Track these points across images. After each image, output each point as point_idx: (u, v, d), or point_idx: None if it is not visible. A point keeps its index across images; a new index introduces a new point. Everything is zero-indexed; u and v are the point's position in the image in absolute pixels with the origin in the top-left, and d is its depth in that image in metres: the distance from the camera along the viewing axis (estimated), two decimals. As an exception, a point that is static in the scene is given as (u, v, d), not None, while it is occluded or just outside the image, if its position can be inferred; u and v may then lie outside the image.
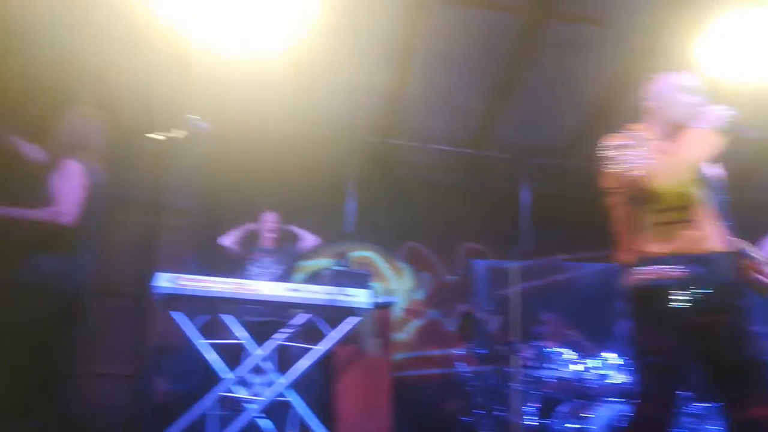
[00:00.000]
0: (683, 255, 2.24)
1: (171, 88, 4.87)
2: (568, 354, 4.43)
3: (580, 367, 4.39)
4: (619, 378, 4.33)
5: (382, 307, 4.27)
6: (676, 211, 2.31)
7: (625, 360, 4.37)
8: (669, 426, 2.30)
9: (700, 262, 2.23)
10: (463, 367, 4.78)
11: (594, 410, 4.03)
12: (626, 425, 2.35)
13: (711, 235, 2.31)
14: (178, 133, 2.75)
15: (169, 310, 3.52)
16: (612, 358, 4.40)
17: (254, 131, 5.73)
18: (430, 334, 6.04)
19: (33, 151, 3.12)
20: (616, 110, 5.59)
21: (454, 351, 5.00)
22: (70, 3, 4.04)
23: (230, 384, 3.63)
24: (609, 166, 2.37)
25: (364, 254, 6.40)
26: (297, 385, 3.81)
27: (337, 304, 3.88)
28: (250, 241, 5.15)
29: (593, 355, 4.49)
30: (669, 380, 2.29)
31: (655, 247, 2.28)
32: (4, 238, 3.04)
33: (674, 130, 2.42)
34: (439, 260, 6.62)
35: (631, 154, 2.28)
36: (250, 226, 5.15)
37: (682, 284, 2.22)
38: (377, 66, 5.30)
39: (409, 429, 4.57)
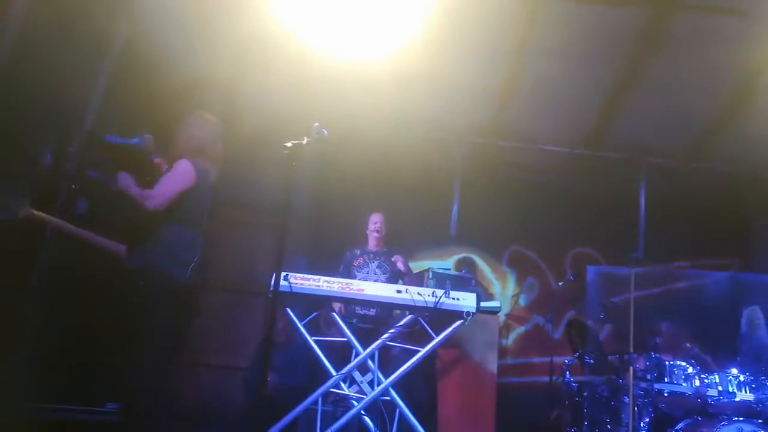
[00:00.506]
0: None
1: (291, 97, 5.12)
2: (686, 367, 4.17)
3: (698, 382, 4.11)
4: (741, 395, 4.02)
5: (487, 312, 4.22)
6: None
7: (747, 376, 4.04)
8: None
9: None
10: (569, 377, 4.63)
11: (713, 429, 3.76)
12: None
13: None
14: (304, 141, 2.89)
15: (284, 307, 3.70)
16: (733, 373, 4.08)
17: (362, 135, 5.88)
18: (534, 341, 5.90)
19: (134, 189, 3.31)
20: (747, 109, 5.17)
21: (560, 359, 4.85)
22: (199, 20, 4.38)
23: (337, 380, 3.76)
24: None
25: (468, 257, 6.36)
26: (399, 386, 3.88)
27: (443, 307, 3.89)
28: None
29: (713, 370, 4.20)
30: None
31: None
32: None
33: None
34: (545, 265, 6.45)
35: None
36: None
37: None
38: (487, 65, 5.24)
39: (514, 435, 4.50)
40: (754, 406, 4.02)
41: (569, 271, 6.08)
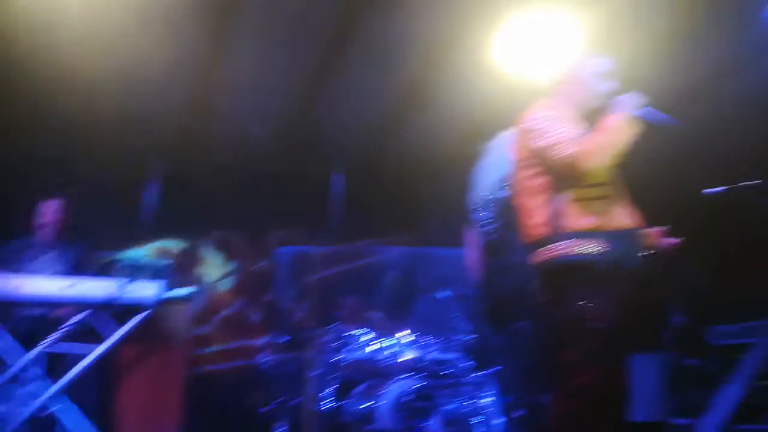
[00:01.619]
0: (604, 230, 2.28)
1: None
2: (364, 335, 4.59)
3: (376, 347, 4.57)
4: (410, 355, 4.59)
5: (177, 301, 4.04)
6: (597, 188, 2.34)
7: (417, 336, 4.64)
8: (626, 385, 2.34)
9: (618, 237, 2.29)
10: (264, 358, 4.74)
11: (386, 387, 4.22)
12: (582, 392, 2.22)
13: (626, 212, 2.39)
14: None
15: None
16: (405, 336, 4.64)
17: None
18: (236, 326, 5.88)
19: None
20: (419, 103, 5.86)
21: (257, 342, 4.94)
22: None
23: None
24: (533, 140, 2.37)
25: (166, 243, 6.04)
26: (72, 393, 3.49)
27: (120, 301, 3.60)
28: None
29: (388, 335, 4.71)
30: (614, 343, 2.25)
31: (576, 222, 2.29)
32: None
33: (586, 113, 2.49)
34: (249, 248, 6.47)
35: (559, 130, 2.32)
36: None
37: (602, 257, 2.25)
38: (183, 49, 5.00)
39: (204, 426, 4.42)
40: (417, 363, 4.64)
41: (270, 252, 6.22)
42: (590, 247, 2.24)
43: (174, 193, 5.90)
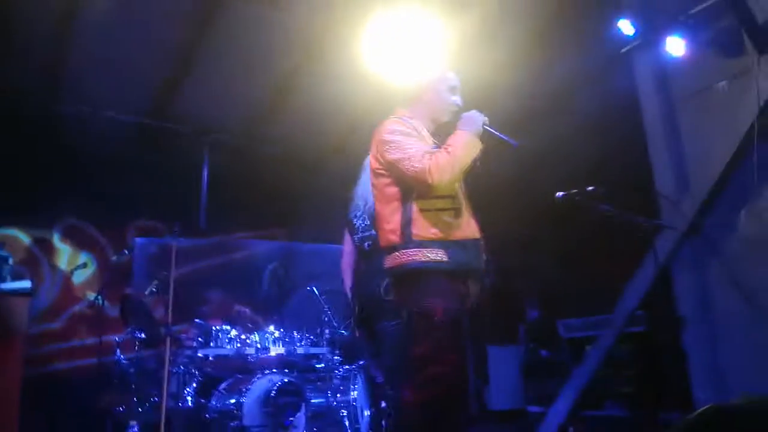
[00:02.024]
0: (447, 239, 2.41)
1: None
2: (230, 332, 4.45)
3: (240, 343, 4.45)
4: (278, 350, 4.53)
5: (14, 295, 3.65)
6: (444, 200, 2.46)
7: (282, 333, 4.58)
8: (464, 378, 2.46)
9: (459, 246, 2.42)
10: (120, 354, 4.43)
11: (249, 383, 4.12)
12: (432, 382, 2.32)
13: (468, 224, 2.51)
14: None
15: None
16: (270, 331, 4.57)
17: None
18: (89, 321, 5.46)
19: None
20: (290, 98, 5.77)
21: (113, 338, 4.60)
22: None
23: None
24: (387, 151, 2.46)
25: (7, 232, 5.45)
26: None
27: (-55, 293, 3.19)
28: None
29: (257, 330, 4.61)
30: (456, 338, 2.38)
31: (423, 231, 2.40)
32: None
33: (437, 125, 2.62)
34: (105, 239, 6.01)
35: (411, 144, 2.42)
36: None
37: (445, 265, 2.38)
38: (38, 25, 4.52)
39: (48, 429, 4.05)
40: (285, 357, 4.58)
41: (128, 243, 5.82)
42: (434, 255, 2.38)
43: (19, 176, 5.31)
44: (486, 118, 2.53)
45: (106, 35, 4.89)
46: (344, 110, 5.83)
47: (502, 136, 2.52)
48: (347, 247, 3.45)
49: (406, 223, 2.42)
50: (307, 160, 6.59)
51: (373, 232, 3.17)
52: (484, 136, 2.51)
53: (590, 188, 3.58)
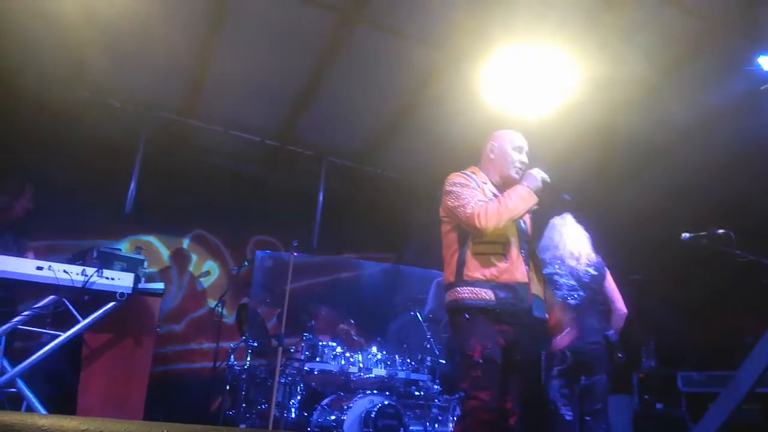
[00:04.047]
0: (494, 281, 2.66)
1: None
2: (335, 348, 4.57)
3: (344, 361, 4.55)
4: (377, 371, 4.58)
5: (148, 294, 3.99)
6: (493, 245, 2.72)
7: (384, 355, 4.63)
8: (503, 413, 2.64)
9: (507, 288, 2.67)
10: (234, 361, 4.68)
11: (351, 401, 4.19)
12: (470, 413, 2.55)
13: (517, 268, 2.74)
14: None
15: None
16: (373, 352, 4.63)
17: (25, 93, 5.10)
18: (208, 327, 5.83)
19: None
20: (407, 125, 5.91)
21: (228, 344, 4.88)
22: None
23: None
24: (448, 199, 2.79)
25: (144, 238, 5.98)
26: (36, 377, 3.42)
27: (94, 287, 3.55)
28: None
29: (360, 350, 4.70)
30: (498, 376, 2.60)
31: (473, 273, 2.68)
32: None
33: (504, 181, 2.91)
34: (227, 250, 6.44)
35: (467, 194, 2.74)
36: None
37: (492, 304, 2.63)
38: (180, 41, 4.99)
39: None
40: (386, 380, 4.62)
41: (249, 256, 6.18)
42: (482, 294, 2.63)
43: (156, 187, 5.83)
44: (545, 175, 2.80)
45: (242, 59, 5.29)
46: (459, 143, 5.88)
47: (558, 193, 2.83)
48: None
49: (461, 265, 2.71)
50: (419, 188, 6.69)
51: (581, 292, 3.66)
52: (543, 193, 2.78)
53: (721, 231, 3.37)
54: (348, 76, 5.43)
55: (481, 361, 2.55)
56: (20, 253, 4.17)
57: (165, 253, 6.15)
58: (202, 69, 5.39)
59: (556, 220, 3.95)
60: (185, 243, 6.28)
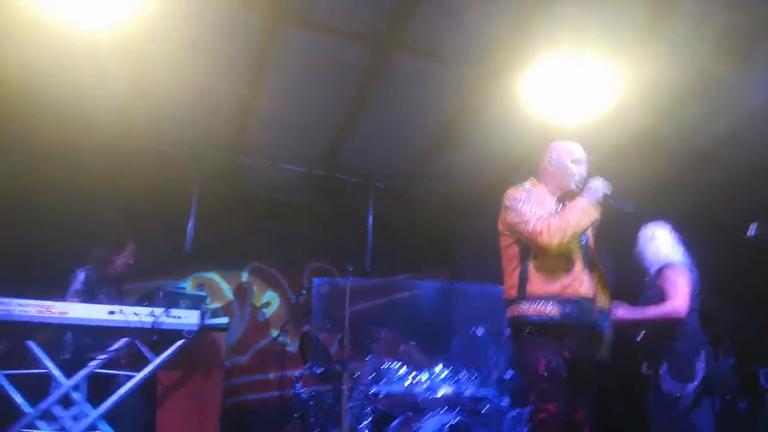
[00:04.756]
0: (558, 296, 2.65)
1: None
2: (400, 369, 4.57)
3: (412, 381, 4.54)
4: (446, 389, 4.54)
5: (214, 329, 4.12)
6: (557, 260, 2.70)
7: (449, 373, 4.60)
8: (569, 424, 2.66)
9: (571, 303, 2.65)
10: (300, 389, 4.75)
11: (420, 421, 4.18)
12: (539, 425, 2.58)
13: (581, 282, 2.72)
14: None
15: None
16: (439, 371, 4.60)
17: (89, 144, 5.41)
18: (272, 357, 5.94)
19: None
20: (450, 143, 5.93)
21: (293, 372, 4.95)
22: None
23: (32, 419, 3.30)
24: (509, 215, 2.79)
25: (205, 275, 6.17)
26: (115, 416, 3.57)
27: (163, 327, 3.70)
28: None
29: (423, 369, 4.68)
30: (564, 388, 2.60)
31: (536, 288, 2.67)
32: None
33: (563, 193, 2.89)
34: (285, 280, 6.57)
35: (528, 210, 2.73)
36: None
37: (557, 320, 2.62)
38: (226, 79, 5.20)
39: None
40: (454, 398, 4.58)
41: (306, 284, 6.29)
42: (546, 310, 2.62)
43: (213, 225, 6.04)
44: (607, 188, 2.77)
45: (285, 96, 5.45)
46: (502, 153, 5.85)
47: (620, 204, 2.76)
48: None
49: (523, 280, 2.69)
50: (466, 202, 6.67)
51: None
52: (605, 205, 2.75)
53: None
54: (387, 101, 5.50)
55: (546, 374, 2.54)
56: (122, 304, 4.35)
57: (226, 287, 6.33)
58: (247, 110, 5.59)
59: (654, 229, 3.82)
60: (244, 276, 6.44)
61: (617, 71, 4.67)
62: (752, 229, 3.41)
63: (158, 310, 3.69)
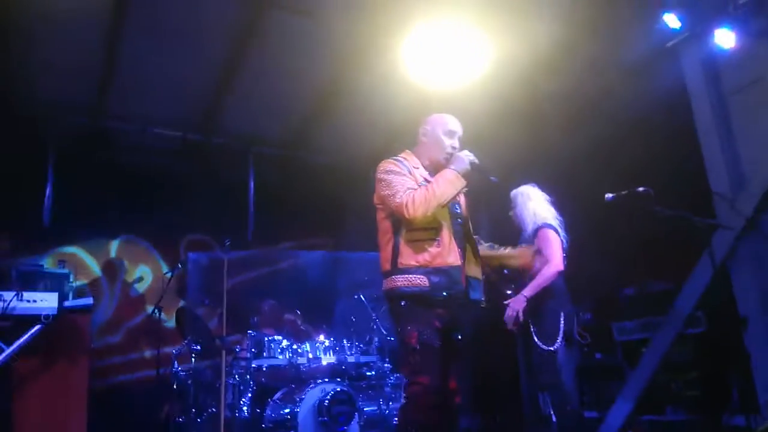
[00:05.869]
0: (427, 267, 2.69)
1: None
2: (282, 341, 4.52)
3: (291, 353, 4.52)
4: (328, 359, 4.57)
5: (77, 311, 3.81)
6: (425, 232, 2.74)
7: (332, 342, 4.63)
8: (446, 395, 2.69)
9: (440, 273, 2.70)
10: (178, 366, 4.56)
11: (303, 392, 4.18)
12: (413, 398, 2.61)
13: (449, 252, 2.76)
14: None
15: None
16: (320, 340, 4.62)
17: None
18: (147, 334, 5.64)
19: None
20: (334, 107, 5.84)
21: (170, 350, 4.74)
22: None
23: None
24: (380, 187, 2.80)
25: (67, 250, 5.69)
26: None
27: (15, 313, 3.36)
28: None
29: (308, 340, 4.67)
30: (437, 360, 2.64)
31: (407, 260, 2.71)
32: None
33: (434, 165, 2.91)
34: (159, 253, 6.20)
35: (398, 182, 2.75)
36: None
37: (426, 290, 2.67)
38: (83, 41, 4.72)
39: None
40: (337, 366, 4.63)
41: (182, 258, 5.99)
42: (416, 281, 2.68)
43: (74, 195, 5.52)
44: (474, 158, 2.82)
45: (151, 51, 5.05)
46: (386, 117, 5.85)
47: (486, 173, 2.84)
48: None
49: (395, 253, 2.74)
50: (350, 169, 6.64)
51: None
52: (473, 174, 2.81)
53: (641, 189, 3.51)
54: (264, 62, 5.28)
55: (418, 346, 2.59)
56: None
57: (92, 263, 5.87)
58: (108, 71, 5.13)
59: (528, 190, 3.96)
60: (113, 250, 6.01)
61: (492, 33, 4.76)
62: (609, 197, 3.67)
63: (8, 295, 3.33)
